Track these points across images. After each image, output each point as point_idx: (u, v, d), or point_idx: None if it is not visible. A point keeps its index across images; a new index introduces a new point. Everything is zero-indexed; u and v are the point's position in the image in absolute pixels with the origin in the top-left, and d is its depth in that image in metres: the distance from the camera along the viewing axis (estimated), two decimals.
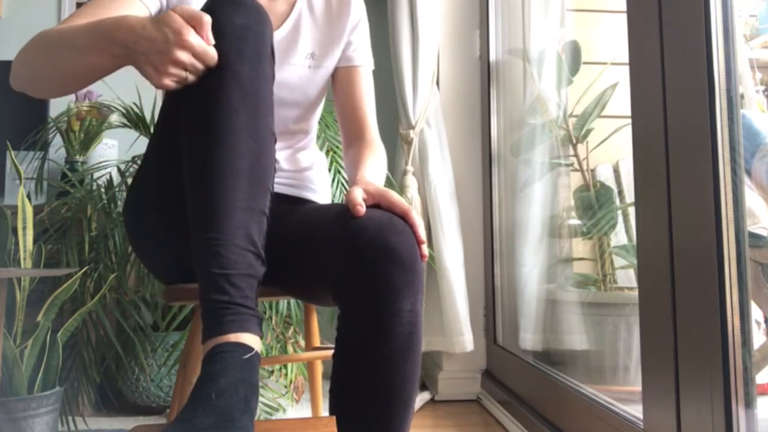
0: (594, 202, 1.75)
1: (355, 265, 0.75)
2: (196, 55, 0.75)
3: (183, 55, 0.74)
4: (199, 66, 0.76)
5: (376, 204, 0.83)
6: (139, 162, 1.95)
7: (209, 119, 0.76)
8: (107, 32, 0.79)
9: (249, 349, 0.70)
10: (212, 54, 0.76)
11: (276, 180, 0.97)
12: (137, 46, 0.75)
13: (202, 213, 0.74)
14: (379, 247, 0.74)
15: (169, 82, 0.76)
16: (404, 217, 0.80)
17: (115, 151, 2.27)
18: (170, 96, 0.84)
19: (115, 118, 2.13)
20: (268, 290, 0.98)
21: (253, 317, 0.72)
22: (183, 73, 0.76)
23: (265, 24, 0.82)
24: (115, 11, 0.90)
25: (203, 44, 0.75)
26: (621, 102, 1.24)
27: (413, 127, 2.07)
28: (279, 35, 1.07)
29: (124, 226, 1.00)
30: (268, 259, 0.81)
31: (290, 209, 0.97)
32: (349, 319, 0.78)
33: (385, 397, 0.77)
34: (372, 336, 0.75)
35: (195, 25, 0.75)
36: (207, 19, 0.75)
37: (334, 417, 0.77)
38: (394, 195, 0.83)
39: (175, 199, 0.84)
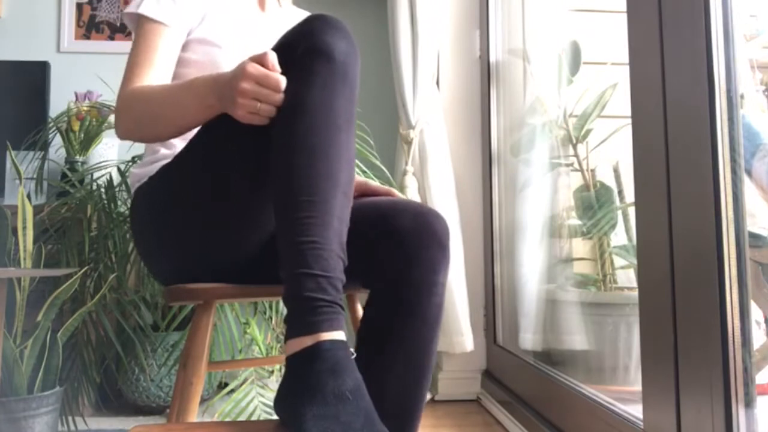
0: (594, 202, 1.75)
1: (399, 243, 0.88)
2: (259, 82, 0.81)
3: (246, 85, 0.81)
4: (271, 94, 0.81)
5: (361, 193, 1.03)
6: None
7: (317, 136, 0.80)
8: (204, 89, 0.90)
9: (348, 348, 0.75)
10: (273, 77, 0.81)
11: None
12: (221, 88, 0.86)
13: (302, 219, 0.77)
14: (421, 227, 0.89)
15: (243, 113, 0.83)
16: (389, 194, 1.02)
17: (115, 151, 2.27)
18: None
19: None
20: (274, 289, 0.98)
21: (343, 319, 0.78)
22: (255, 103, 0.81)
23: (357, 49, 0.87)
24: (156, 48, 1.03)
25: (262, 70, 0.81)
26: (621, 102, 1.24)
27: (413, 127, 2.07)
28: None
29: (139, 222, 1.01)
30: None
31: None
32: (387, 295, 0.89)
33: (419, 364, 0.88)
34: (412, 305, 0.87)
35: (258, 60, 0.82)
36: (269, 53, 0.82)
37: None
38: (372, 183, 1.07)
39: (205, 201, 0.91)
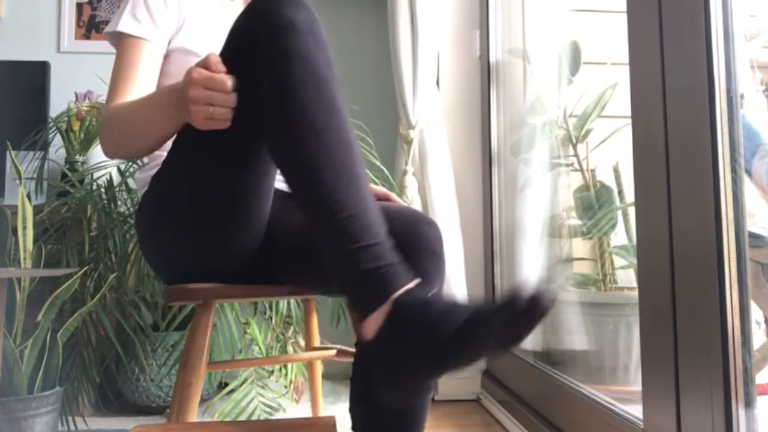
0: (594, 202, 1.75)
1: None
2: (206, 86, 0.80)
3: (194, 92, 0.80)
4: (220, 96, 0.80)
5: None
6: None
7: (314, 107, 0.77)
8: (163, 101, 0.89)
9: (420, 284, 0.74)
10: (218, 78, 0.79)
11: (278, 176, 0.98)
12: (175, 99, 0.85)
13: (332, 200, 0.75)
14: (412, 236, 0.84)
15: (199, 120, 0.82)
16: (387, 199, 0.95)
17: None
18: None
19: None
20: (274, 289, 0.98)
21: (404, 267, 0.76)
22: (207, 108, 0.80)
23: (318, 20, 0.83)
24: (138, 63, 1.03)
25: (206, 74, 0.79)
26: (621, 102, 1.24)
27: (413, 127, 2.07)
28: None
29: (143, 221, 1.00)
30: (287, 254, 0.82)
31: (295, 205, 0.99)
32: None
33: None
34: None
35: (202, 63, 0.81)
36: (211, 55, 0.81)
37: (334, 417, 0.78)
38: (371, 186, 0.98)
39: (192, 206, 0.90)
